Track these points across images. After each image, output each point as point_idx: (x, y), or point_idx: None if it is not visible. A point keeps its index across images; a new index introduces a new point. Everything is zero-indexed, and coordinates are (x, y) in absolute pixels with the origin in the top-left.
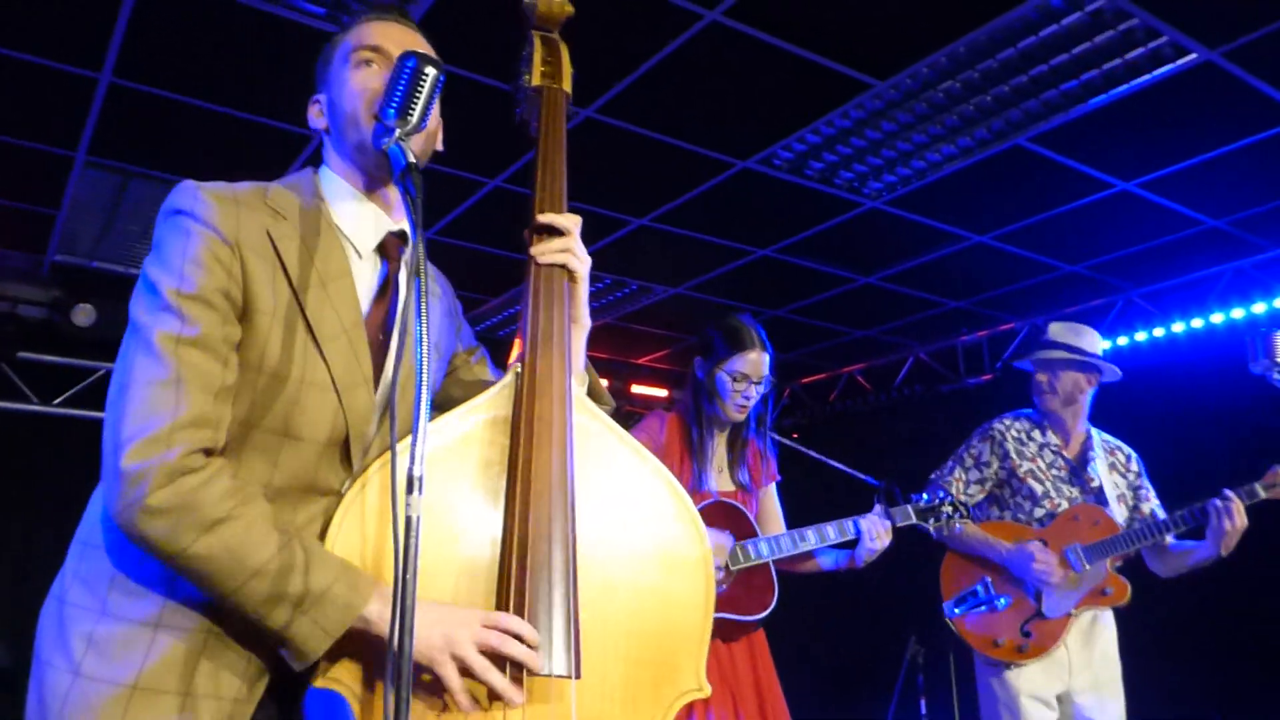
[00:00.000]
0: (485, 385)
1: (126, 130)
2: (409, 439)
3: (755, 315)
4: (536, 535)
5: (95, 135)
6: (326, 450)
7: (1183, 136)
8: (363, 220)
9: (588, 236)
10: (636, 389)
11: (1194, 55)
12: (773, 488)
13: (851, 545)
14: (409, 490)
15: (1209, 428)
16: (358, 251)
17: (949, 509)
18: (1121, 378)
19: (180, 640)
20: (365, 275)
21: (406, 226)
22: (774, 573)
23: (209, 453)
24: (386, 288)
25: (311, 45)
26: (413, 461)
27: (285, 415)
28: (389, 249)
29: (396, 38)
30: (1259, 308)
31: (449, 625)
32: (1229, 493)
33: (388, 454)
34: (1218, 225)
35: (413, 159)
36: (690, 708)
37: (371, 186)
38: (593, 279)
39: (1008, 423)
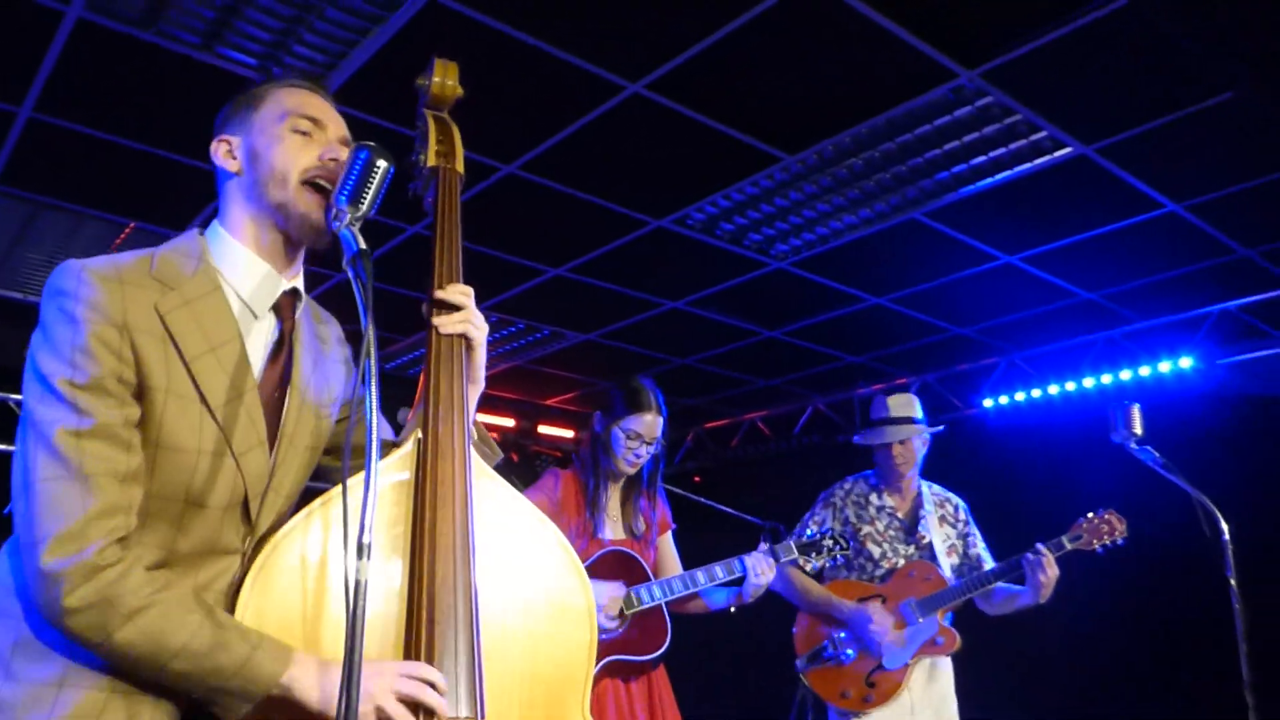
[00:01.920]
0: (385, 431)
1: (41, 163)
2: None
3: (663, 363)
4: (442, 589)
5: (8, 166)
6: (228, 512)
7: (1060, 218)
8: (256, 281)
9: (506, 283)
10: (544, 429)
11: (1070, 149)
12: (669, 536)
13: (739, 583)
14: (359, 556)
15: (1074, 485)
16: (252, 312)
17: (830, 542)
18: (945, 430)
19: (84, 697)
20: (259, 335)
21: (300, 284)
22: (667, 614)
23: (124, 539)
24: (281, 345)
25: (236, 91)
26: (362, 530)
27: (185, 484)
28: (283, 308)
29: (333, 118)
30: (1125, 374)
31: (367, 677)
32: (1040, 547)
33: (293, 520)
34: (1091, 298)
35: (364, 245)
36: None
37: (275, 242)
38: (507, 323)
39: (847, 488)
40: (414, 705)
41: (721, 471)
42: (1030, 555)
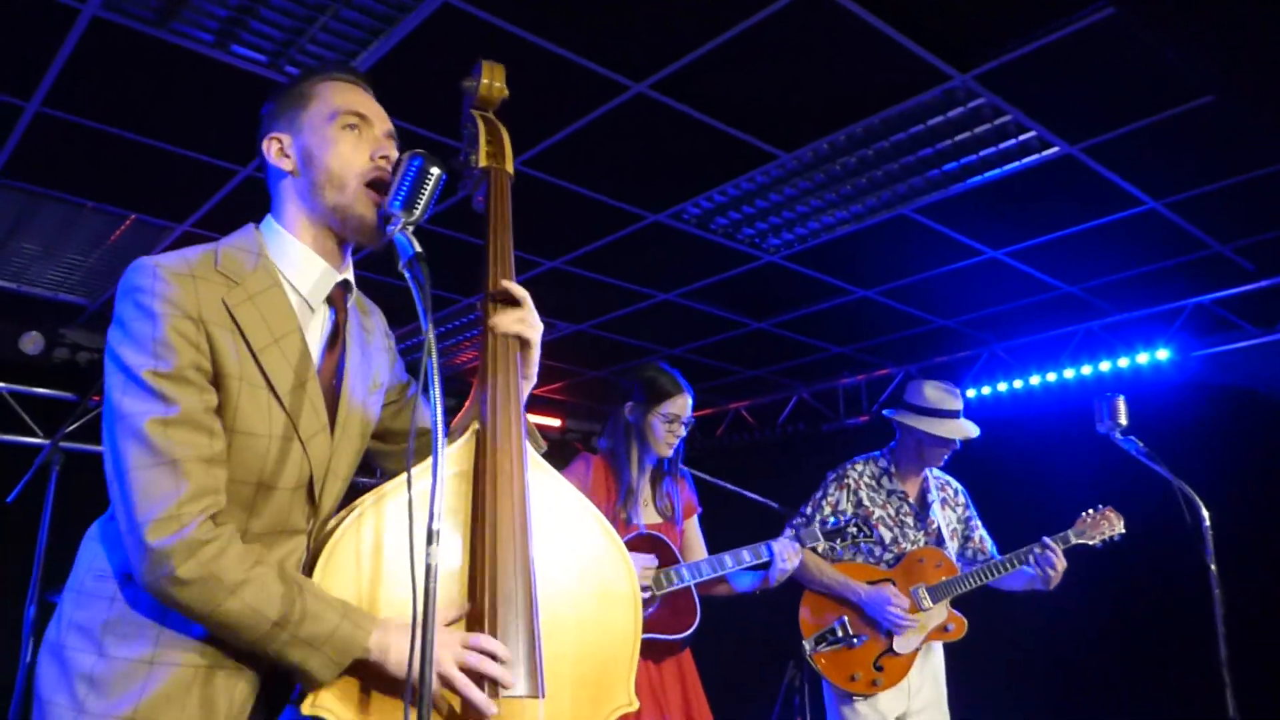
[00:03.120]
0: (422, 418)
1: (45, 156)
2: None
3: (652, 354)
4: (502, 574)
5: (11, 159)
6: (295, 494)
7: (1045, 214)
8: (311, 274)
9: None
10: (530, 418)
11: (1057, 148)
12: (695, 520)
13: (763, 568)
14: (429, 542)
15: (1053, 473)
16: (308, 304)
17: (853, 530)
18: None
19: (173, 674)
20: (315, 326)
21: (350, 276)
22: (696, 595)
23: (216, 516)
24: (336, 336)
25: (248, 88)
26: (432, 517)
27: (258, 468)
28: (335, 299)
29: (378, 112)
30: (1105, 365)
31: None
32: (1047, 540)
33: (358, 506)
34: (1072, 291)
35: (419, 248)
36: None
37: (328, 239)
38: None
39: (859, 468)
40: (478, 676)
41: (706, 460)
42: (1038, 550)
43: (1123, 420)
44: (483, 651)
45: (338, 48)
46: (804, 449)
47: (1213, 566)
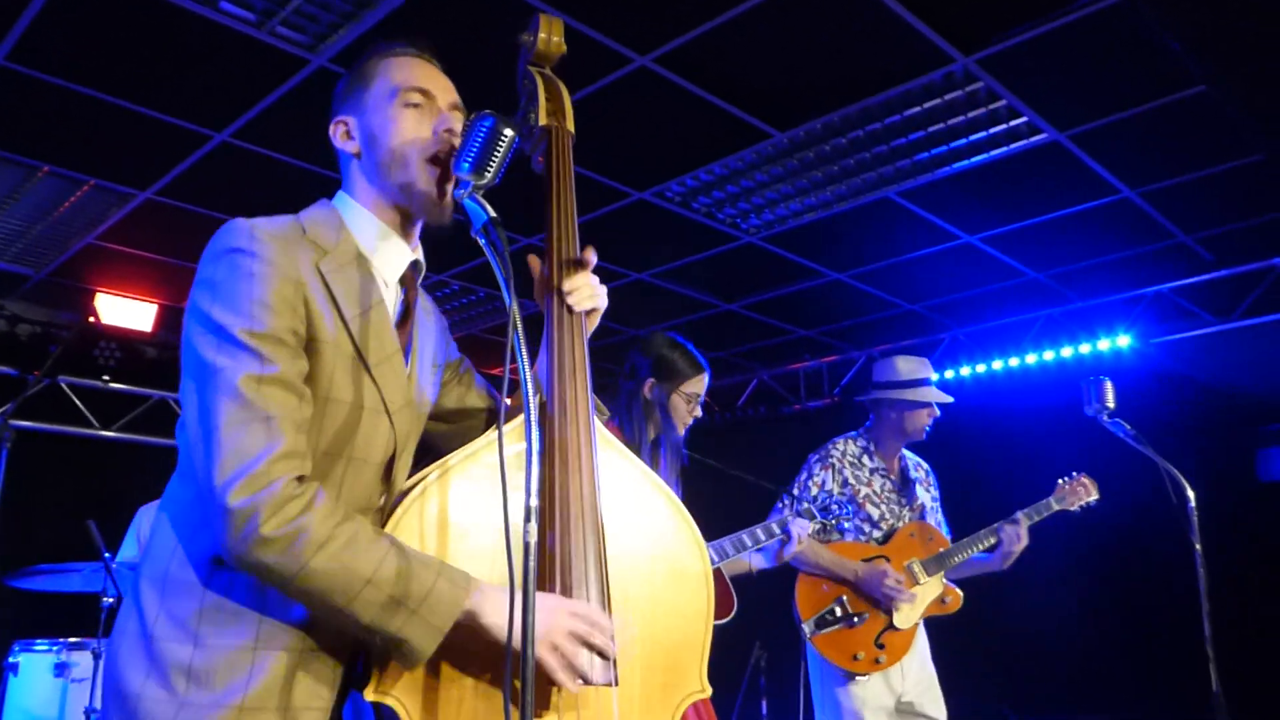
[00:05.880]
0: (476, 397)
1: (4, 114)
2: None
3: (616, 334)
4: (574, 554)
5: None
6: (379, 469)
7: (1024, 201)
8: (388, 253)
9: (469, 254)
10: None
11: (1045, 135)
12: None
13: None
14: (526, 519)
15: (1016, 457)
16: (384, 281)
17: (835, 506)
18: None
19: (278, 661)
20: (388, 303)
21: (420, 256)
22: (727, 578)
23: (302, 479)
24: (407, 314)
25: (231, 47)
26: (528, 495)
27: (347, 440)
28: (407, 279)
29: (442, 85)
30: (1067, 351)
31: (543, 614)
32: (1017, 516)
33: (427, 475)
34: (1037, 277)
35: (493, 213)
36: None
37: (399, 219)
38: (469, 291)
39: (841, 447)
40: (584, 644)
41: None
42: (1008, 525)
43: (1110, 403)
44: (590, 620)
45: (335, 8)
46: (762, 432)
47: (1198, 546)
